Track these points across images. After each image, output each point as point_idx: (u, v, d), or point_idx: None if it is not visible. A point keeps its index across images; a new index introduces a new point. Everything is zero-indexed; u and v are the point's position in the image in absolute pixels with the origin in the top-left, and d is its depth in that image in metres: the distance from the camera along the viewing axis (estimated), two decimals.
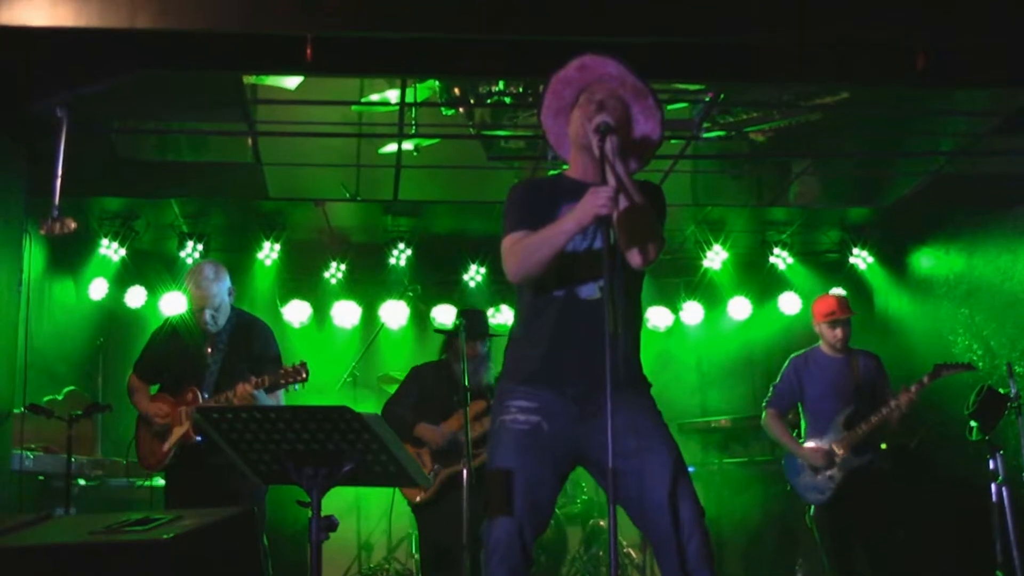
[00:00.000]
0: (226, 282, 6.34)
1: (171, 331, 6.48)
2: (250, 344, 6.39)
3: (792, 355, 7.40)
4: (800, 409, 7.26)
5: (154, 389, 6.43)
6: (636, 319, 4.18)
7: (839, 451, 6.87)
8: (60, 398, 8.40)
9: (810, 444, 7.03)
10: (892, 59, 6.32)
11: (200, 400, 6.16)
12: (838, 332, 7.12)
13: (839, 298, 7.35)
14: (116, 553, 3.80)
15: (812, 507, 7.06)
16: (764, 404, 7.34)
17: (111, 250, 9.79)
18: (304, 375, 6.12)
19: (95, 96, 6.38)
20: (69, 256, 9.92)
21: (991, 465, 6.33)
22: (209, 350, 6.29)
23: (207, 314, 6.24)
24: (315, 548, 3.61)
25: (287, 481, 3.71)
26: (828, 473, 6.90)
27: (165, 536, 3.76)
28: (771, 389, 7.34)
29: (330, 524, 3.64)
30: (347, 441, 3.56)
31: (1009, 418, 6.59)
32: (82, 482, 7.69)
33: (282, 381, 6.13)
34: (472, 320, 6.80)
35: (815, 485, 6.97)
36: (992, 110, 7.87)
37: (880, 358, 7.28)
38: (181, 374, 6.30)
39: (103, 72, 6.08)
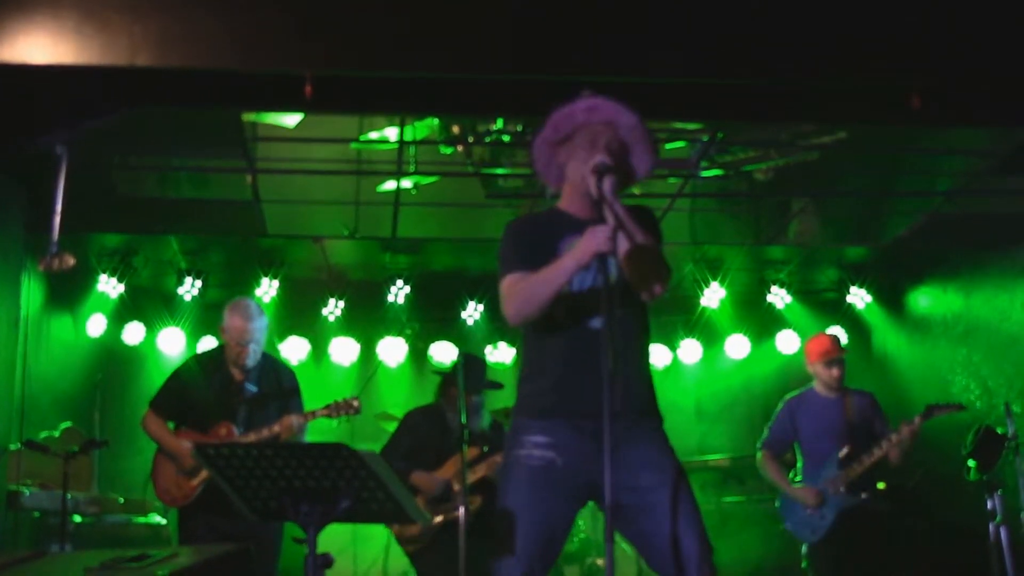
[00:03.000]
0: (265, 319, 6.44)
1: (198, 368, 6.49)
2: (279, 381, 6.48)
3: (786, 396, 7.40)
4: (796, 449, 7.25)
5: (170, 425, 6.42)
6: (645, 351, 4.16)
7: (832, 490, 6.85)
8: (57, 434, 8.38)
9: (802, 484, 7.02)
10: (888, 99, 6.33)
11: (235, 435, 6.20)
12: (835, 371, 7.12)
13: (832, 337, 7.35)
14: None
15: (805, 546, 7.04)
16: (758, 445, 7.33)
17: (110, 286, 9.79)
18: (356, 407, 6.47)
19: (95, 133, 6.40)
20: (68, 292, 9.92)
21: (989, 505, 6.29)
22: (241, 387, 6.34)
23: (249, 348, 6.30)
24: None
25: (283, 518, 3.70)
26: (822, 513, 6.88)
27: (159, 574, 3.75)
28: (765, 430, 7.33)
29: (326, 561, 3.62)
30: (343, 478, 3.54)
31: (1007, 458, 6.58)
32: (78, 519, 7.65)
33: (335, 413, 6.43)
34: (470, 368, 6.71)
35: (809, 524, 6.95)
36: (990, 150, 7.90)
37: (875, 396, 7.28)
38: (209, 411, 6.31)
39: (103, 109, 6.10)
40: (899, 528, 7.21)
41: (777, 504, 7.31)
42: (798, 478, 7.14)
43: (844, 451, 6.89)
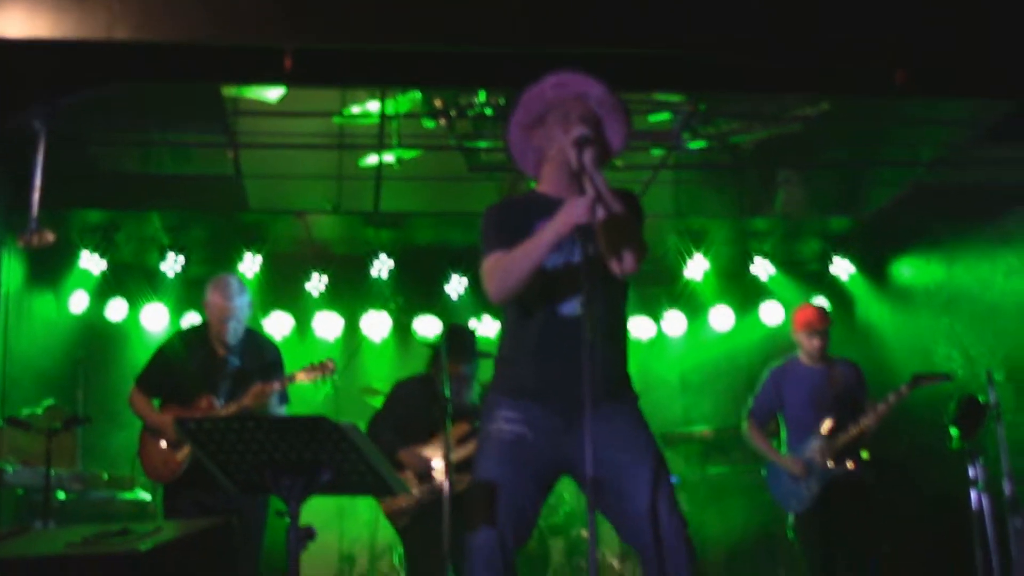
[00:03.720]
0: (248, 296, 6.45)
1: (181, 344, 6.52)
2: (263, 356, 6.50)
3: (770, 365, 7.41)
4: (780, 419, 7.27)
5: (156, 402, 6.43)
6: (621, 331, 4.19)
7: (818, 461, 6.87)
8: (40, 411, 8.35)
9: (789, 454, 7.04)
10: (872, 70, 6.33)
11: (216, 408, 6.23)
12: (815, 342, 7.13)
13: (818, 309, 7.35)
14: (93, 565, 3.79)
15: (792, 516, 7.06)
16: (743, 415, 7.35)
17: (92, 263, 9.74)
18: (332, 368, 6.47)
19: (75, 109, 6.36)
20: (49, 269, 9.88)
21: (971, 473, 6.33)
22: (224, 361, 6.36)
23: (230, 325, 6.31)
24: (293, 558, 3.60)
25: (265, 491, 3.71)
26: (807, 483, 6.91)
27: (142, 547, 3.75)
28: (750, 399, 7.35)
29: (308, 534, 3.63)
30: (324, 451, 3.55)
31: (988, 426, 6.61)
32: (62, 495, 7.64)
33: (311, 375, 6.44)
34: (456, 339, 6.71)
35: (795, 494, 6.98)
36: (972, 120, 7.91)
37: (860, 367, 7.29)
38: (192, 386, 6.33)
39: (81, 84, 6.06)
40: (883, 498, 7.23)
41: (763, 473, 7.33)
42: (782, 448, 7.17)
43: (828, 423, 6.91)
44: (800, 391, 7.13)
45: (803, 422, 7.06)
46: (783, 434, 7.25)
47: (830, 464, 6.86)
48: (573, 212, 3.68)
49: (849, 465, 6.88)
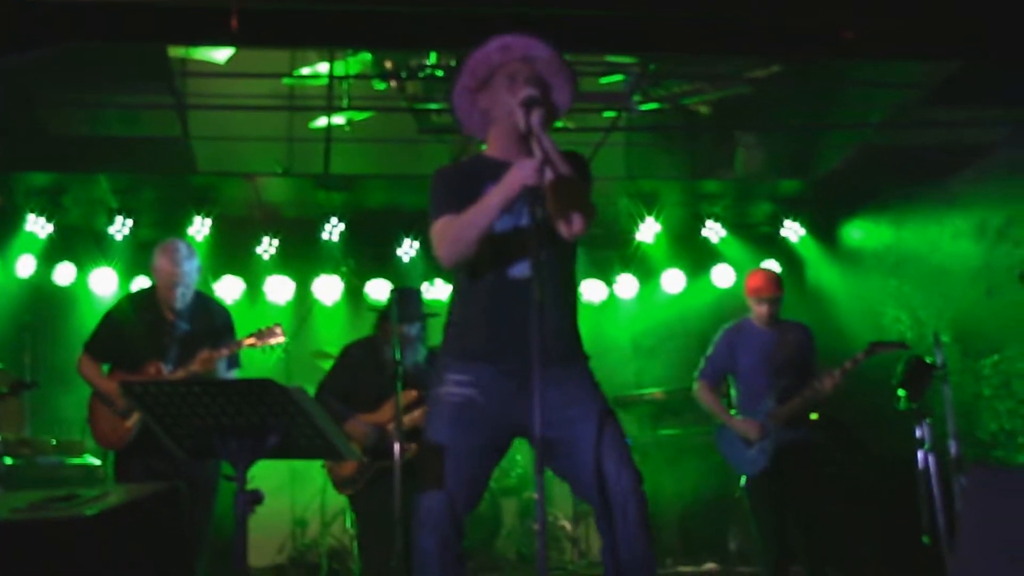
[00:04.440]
0: (196, 260, 6.39)
1: (130, 309, 6.47)
2: (212, 320, 6.45)
3: (724, 326, 7.44)
4: (731, 380, 7.30)
5: (105, 368, 6.39)
6: (570, 293, 4.19)
7: (771, 424, 6.92)
8: None
9: (741, 416, 7.08)
10: (821, 32, 6.35)
11: (163, 374, 6.19)
12: (763, 309, 7.16)
13: (769, 275, 7.37)
14: (39, 530, 3.77)
15: (744, 478, 7.11)
16: (695, 375, 7.37)
17: (38, 226, 9.61)
18: (280, 334, 6.43)
19: (20, 69, 6.28)
20: None
21: (918, 433, 6.39)
22: (173, 326, 6.31)
23: (179, 291, 6.26)
24: (240, 522, 3.60)
25: (212, 455, 3.70)
26: (760, 445, 6.95)
27: (88, 512, 3.73)
28: (702, 360, 7.37)
29: (255, 498, 3.62)
30: (272, 414, 3.54)
31: (935, 387, 6.67)
32: (9, 460, 7.57)
33: (259, 341, 6.39)
34: (405, 300, 6.66)
35: (747, 457, 7.02)
36: (921, 82, 7.95)
37: (811, 330, 7.33)
38: (141, 351, 6.28)
39: (27, 43, 5.98)
40: (832, 459, 7.30)
41: (715, 434, 7.36)
42: (732, 410, 7.21)
43: (776, 388, 6.94)
44: (753, 354, 7.16)
45: (755, 385, 7.10)
46: (733, 395, 7.28)
47: (784, 427, 6.90)
48: (521, 174, 3.67)
49: (801, 428, 6.93)
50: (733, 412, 7.18)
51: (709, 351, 7.36)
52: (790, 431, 6.91)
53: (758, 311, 7.19)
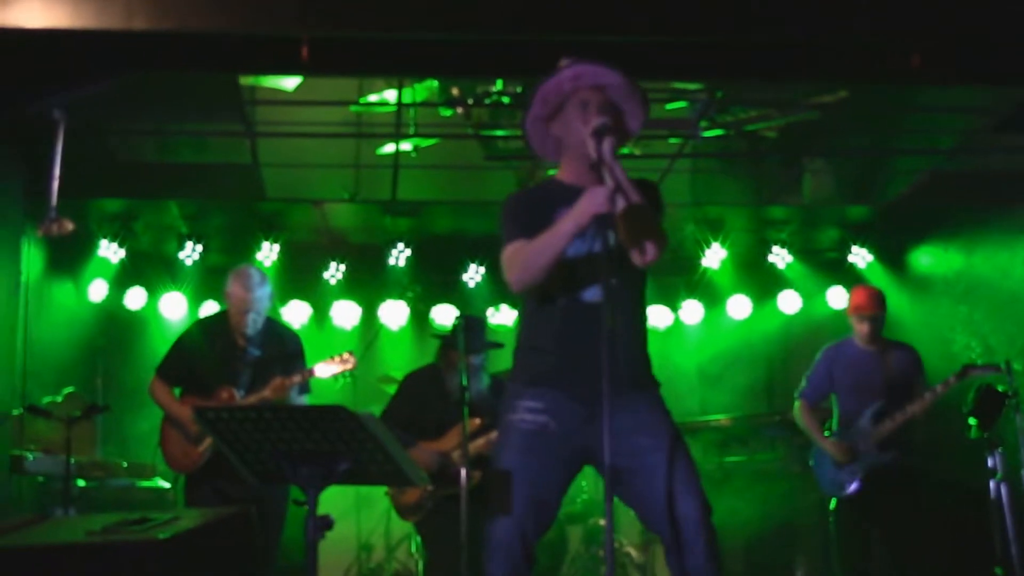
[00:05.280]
0: (268, 287, 6.47)
1: (201, 334, 6.55)
2: (283, 346, 6.52)
3: (825, 346, 7.36)
4: (833, 401, 7.21)
5: (176, 392, 6.47)
6: (641, 319, 4.20)
7: (863, 447, 6.82)
8: (59, 400, 8.40)
9: (835, 438, 6.98)
10: (889, 57, 6.32)
11: (236, 399, 6.27)
12: (865, 327, 7.07)
13: (871, 292, 7.29)
14: (112, 553, 3.82)
15: (834, 501, 7.02)
16: (796, 395, 7.31)
17: (110, 252, 9.77)
18: (351, 361, 6.51)
19: (93, 98, 6.38)
20: (68, 258, 9.90)
21: (990, 463, 6.31)
22: (244, 352, 6.39)
23: (250, 317, 6.33)
24: (311, 547, 3.62)
25: (284, 480, 3.73)
26: (850, 468, 6.86)
27: (161, 536, 3.77)
28: (803, 379, 7.30)
29: (326, 523, 3.65)
30: (342, 440, 3.56)
31: (1007, 416, 6.58)
32: (82, 483, 7.69)
33: (330, 369, 6.50)
34: (470, 329, 6.65)
35: (837, 479, 6.92)
36: (991, 107, 7.87)
37: (918, 352, 7.22)
38: (213, 376, 6.36)
39: (99, 73, 6.08)
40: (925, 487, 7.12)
41: (811, 462, 7.26)
42: (832, 430, 7.11)
43: (872, 409, 6.85)
44: (852, 374, 7.07)
45: (852, 405, 7.01)
46: (835, 416, 7.20)
47: (876, 451, 6.80)
48: (592, 202, 3.68)
49: (893, 452, 6.82)
50: (827, 433, 7.09)
51: (809, 371, 7.30)
52: (883, 455, 6.80)
53: (859, 329, 7.11)
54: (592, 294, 3.95)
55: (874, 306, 7.13)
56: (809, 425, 7.16)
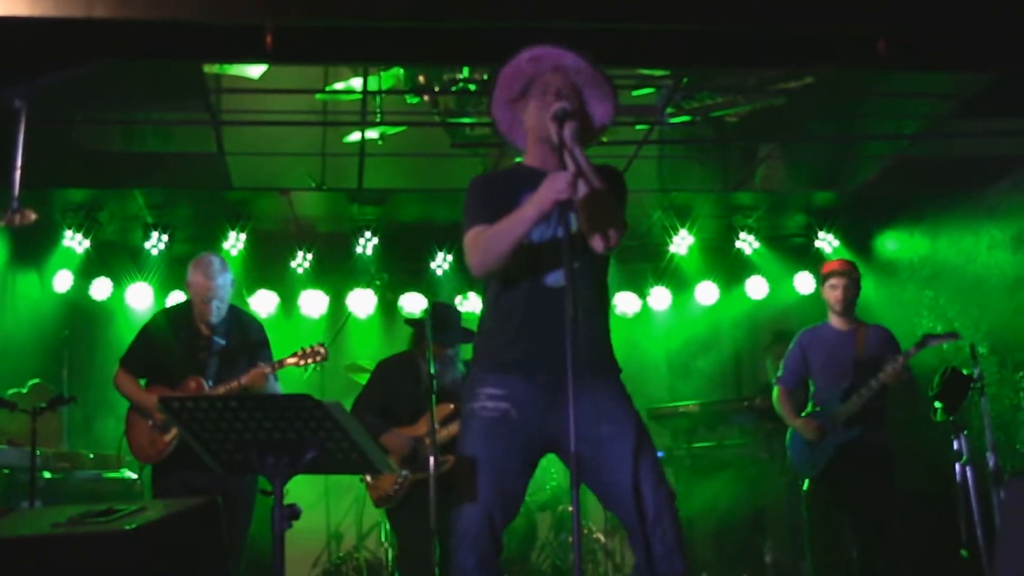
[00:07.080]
0: (230, 274, 6.46)
1: (166, 323, 6.52)
2: (246, 334, 6.52)
3: (800, 330, 7.37)
4: (810, 384, 7.21)
5: (142, 382, 6.42)
6: (603, 305, 4.19)
7: (830, 425, 6.81)
8: (25, 391, 8.36)
9: (807, 417, 6.97)
10: (854, 43, 6.33)
11: (205, 388, 6.24)
12: (838, 293, 7.04)
13: (840, 259, 7.30)
14: (78, 544, 3.80)
15: (807, 482, 7.02)
16: (773, 380, 7.31)
17: (75, 242, 9.71)
18: (323, 353, 6.51)
19: (56, 86, 6.32)
20: (33, 248, 9.85)
21: (955, 445, 6.35)
22: (210, 341, 6.37)
23: (213, 305, 6.31)
24: (277, 537, 3.61)
25: (250, 470, 3.71)
26: (820, 446, 6.85)
27: (127, 527, 3.76)
28: (780, 365, 7.31)
29: (293, 513, 3.64)
30: (309, 429, 3.55)
31: (972, 399, 6.62)
32: (48, 475, 7.64)
33: (303, 360, 6.49)
34: (440, 318, 6.63)
35: (808, 459, 6.92)
36: (955, 93, 7.90)
37: (891, 331, 7.21)
38: (178, 365, 6.33)
39: (61, 62, 6.02)
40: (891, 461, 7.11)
41: (787, 440, 7.25)
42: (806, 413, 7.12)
43: (841, 388, 6.83)
44: (825, 355, 7.06)
45: (823, 386, 7.00)
46: (809, 398, 7.20)
47: (843, 428, 6.79)
48: (554, 187, 3.68)
49: (857, 429, 6.80)
50: (803, 416, 7.08)
51: (785, 357, 7.30)
52: (846, 432, 6.78)
53: (834, 296, 7.07)
54: (554, 278, 3.95)
55: (842, 264, 7.15)
56: (784, 408, 7.14)
